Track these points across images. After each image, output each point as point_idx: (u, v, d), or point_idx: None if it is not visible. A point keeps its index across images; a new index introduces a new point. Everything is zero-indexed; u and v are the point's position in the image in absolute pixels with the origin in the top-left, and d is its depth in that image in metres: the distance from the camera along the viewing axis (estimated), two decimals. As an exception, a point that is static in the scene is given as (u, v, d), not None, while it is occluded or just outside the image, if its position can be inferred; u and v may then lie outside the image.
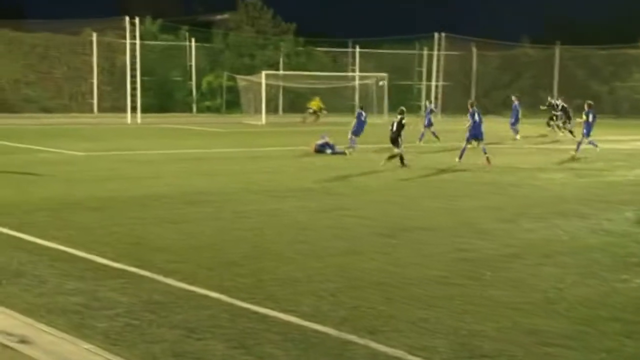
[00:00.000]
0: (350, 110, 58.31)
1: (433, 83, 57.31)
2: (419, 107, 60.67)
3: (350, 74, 59.44)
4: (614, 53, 64.03)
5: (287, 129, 41.55)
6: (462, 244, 11.61)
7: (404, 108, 23.89)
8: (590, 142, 27.45)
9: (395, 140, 22.35)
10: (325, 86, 55.12)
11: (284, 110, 58.60)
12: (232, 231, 12.37)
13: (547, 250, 11.30)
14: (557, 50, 63.51)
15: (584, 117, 27.50)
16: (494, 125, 37.23)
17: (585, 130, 27.29)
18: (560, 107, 37.61)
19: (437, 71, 57.88)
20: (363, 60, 62.28)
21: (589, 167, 23.21)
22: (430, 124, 32.70)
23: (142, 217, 13.44)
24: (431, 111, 33.96)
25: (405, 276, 9.67)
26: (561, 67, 63.36)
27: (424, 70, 61.56)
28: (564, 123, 36.84)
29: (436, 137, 31.85)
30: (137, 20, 45.66)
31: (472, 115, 24.10)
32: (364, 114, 28.26)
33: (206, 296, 8.62)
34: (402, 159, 22.17)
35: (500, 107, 58.96)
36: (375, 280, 9.45)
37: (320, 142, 26.77)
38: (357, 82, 57.89)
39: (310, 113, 47.20)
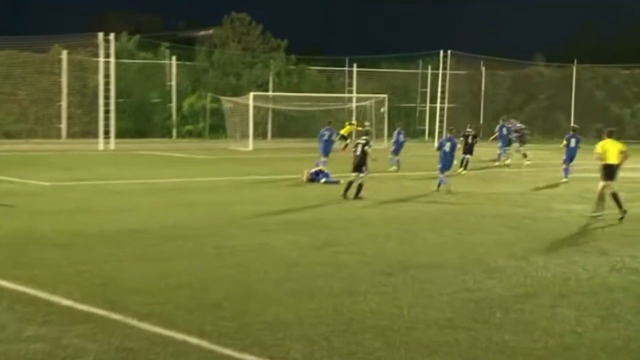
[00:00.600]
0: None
1: (438, 105, 57.59)
2: (423, 132, 61.08)
3: (346, 95, 59.70)
4: (637, 73, 64.39)
5: (277, 155, 41.63)
6: (469, 283, 11.60)
7: (369, 128, 23.93)
8: (566, 170, 28.46)
9: (359, 166, 22.00)
10: (320, 108, 55.32)
11: (274, 135, 58.74)
12: (215, 269, 12.35)
13: (564, 290, 11.30)
14: (575, 70, 63.90)
15: (564, 141, 29.01)
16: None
17: (565, 156, 28.54)
18: (516, 130, 37.77)
19: (443, 92, 58.16)
20: (361, 80, 62.67)
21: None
22: (398, 150, 32.79)
23: (114, 254, 13.39)
24: (400, 134, 33.52)
25: (406, 319, 9.65)
26: (579, 87, 63.66)
27: (428, 90, 61.92)
28: (519, 146, 37.19)
29: (396, 165, 32.05)
30: (112, 36, 45.86)
31: (442, 144, 24.68)
32: (326, 133, 28.56)
33: (185, 342, 8.57)
34: (359, 188, 21.82)
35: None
36: (374, 324, 9.42)
37: (313, 169, 26.86)
38: (354, 104, 58.16)
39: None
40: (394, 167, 31.85)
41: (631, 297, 10.99)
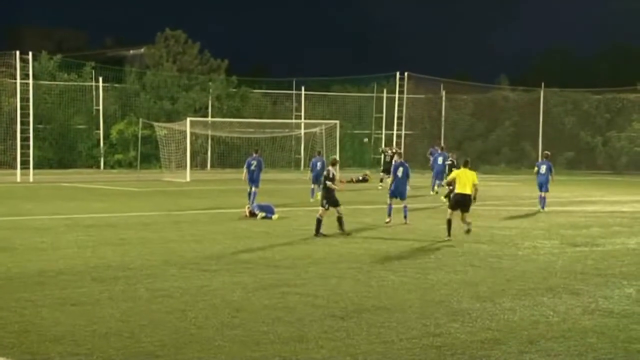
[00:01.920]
0: (296, 165, 58.97)
1: (394, 132, 58.12)
2: (378, 162, 61.52)
3: (294, 120, 59.97)
4: (609, 98, 65.64)
5: (217, 187, 41.53)
6: (430, 327, 11.70)
7: (337, 157, 24.15)
8: (540, 198, 30.26)
9: (335, 202, 22.14)
10: (264, 136, 55.50)
11: (213, 165, 58.67)
12: (149, 314, 12.27)
13: (533, 335, 11.45)
14: (542, 94, 64.92)
15: (535, 168, 31.20)
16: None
17: (537, 184, 30.45)
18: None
19: (399, 118, 58.74)
20: (310, 105, 62.96)
21: (581, 233, 23.69)
22: (317, 179, 33.21)
23: (34, 298, 13.23)
24: (318, 161, 34.10)
25: (361, 367, 9.69)
26: (547, 113, 64.69)
27: (384, 116, 62.46)
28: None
29: (314, 197, 32.60)
30: (30, 55, 45.50)
31: (395, 169, 25.38)
32: (253, 162, 29.54)
33: (115, 396, 8.51)
34: (340, 222, 22.18)
35: (476, 160, 59.96)
36: (326, 373, 9.45)
37: (255, 204, 27.29)
38: (302, 131, 58.42)
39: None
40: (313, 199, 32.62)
41: (606, 342, 11.16)
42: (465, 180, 21.42)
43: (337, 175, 22.89)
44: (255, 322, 11.83)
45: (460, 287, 14.92)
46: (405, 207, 25.27)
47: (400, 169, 25.19)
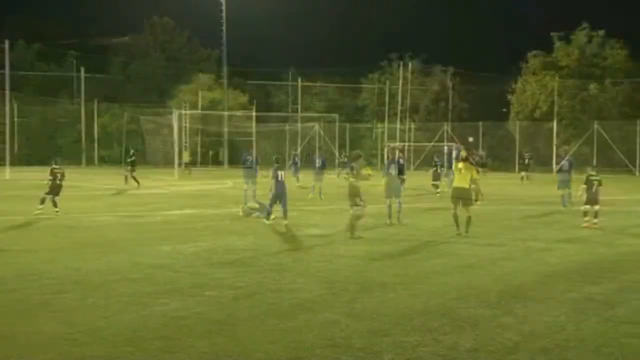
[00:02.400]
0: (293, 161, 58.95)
1: (397, 125, 58.16)
2: (381, 157, 61.52)
3: (290, 114, 60.02)
4: (622, 89, 65.70)
5: (208, 184, 41.49)
6: (434, 337, 11.66)
7: (360, 152, 24.35)
8: (562, 198, 31.05)
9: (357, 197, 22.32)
10: (259, 130, 55.51)
11: (203, 161, 58.69)
12: (135, 321, 12.22)
13: (547, 344, 11.42)
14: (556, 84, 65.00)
15: (557, 167, 32.43)
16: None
17: (559, 182, 31.45)
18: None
19: (404, 110, 58.73)
20: (307, 97, 62.98)
21: (600, 234, 23.67)
22: (316, 177, 33.76)
23: (8, 304, 13.22)
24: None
25: (362, 379, 9.66)
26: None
27: (386, 109, 62.48)
28: None
29: (320, 196, 33.10)
30: (6, 44, 45.49)
31: (388, 167, 25.98)
32: (249, 158, 30.20)
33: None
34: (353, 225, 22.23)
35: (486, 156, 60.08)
36: (323, 386, 9.42)
37: (254, 199, 27.47)
38: (299, 125, 58.48)
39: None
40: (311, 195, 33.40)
41: (627, 352, 11.13)
42: (462, 173, 22.43)
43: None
44: (244, 331, 11.79)
45: (467, 292, 14.88)
46: (399, 202, 25.52)
47: (392, 165, 25.55)
